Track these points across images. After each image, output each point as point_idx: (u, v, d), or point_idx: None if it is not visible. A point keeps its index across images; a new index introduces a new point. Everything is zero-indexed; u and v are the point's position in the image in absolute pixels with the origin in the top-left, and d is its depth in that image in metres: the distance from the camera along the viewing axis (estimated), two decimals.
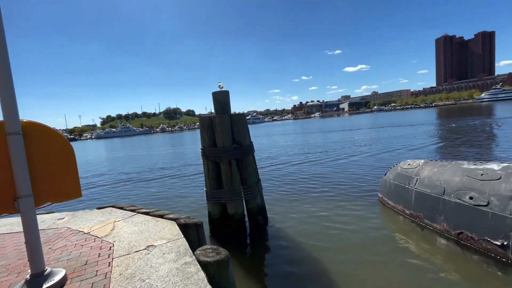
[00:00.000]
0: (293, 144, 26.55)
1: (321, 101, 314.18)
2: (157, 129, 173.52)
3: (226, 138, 5.80)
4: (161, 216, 3.90)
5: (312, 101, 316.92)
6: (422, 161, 6.27)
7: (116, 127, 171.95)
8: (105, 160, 28.79)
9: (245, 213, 6.20)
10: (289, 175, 11.74)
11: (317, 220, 6.45)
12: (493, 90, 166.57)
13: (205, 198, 6.16)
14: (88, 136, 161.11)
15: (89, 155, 37.49)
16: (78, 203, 9.65)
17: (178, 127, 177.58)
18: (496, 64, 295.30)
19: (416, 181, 5.88)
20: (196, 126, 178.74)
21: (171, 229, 3.39)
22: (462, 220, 4.80)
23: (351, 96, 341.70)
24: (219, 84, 6.21)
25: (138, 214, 4.19)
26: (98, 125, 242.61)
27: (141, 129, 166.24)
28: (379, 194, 7.43)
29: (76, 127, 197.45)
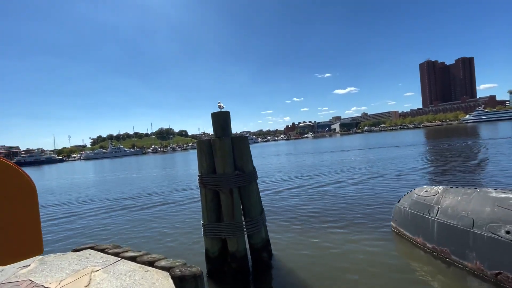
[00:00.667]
0: (289, 166, 25.97)
1: (313, 121, 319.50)
2: (149, 150, 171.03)
3: (227, 164, 5.17)
4: (151, 264, 3.16)
5: (304, 122, 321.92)
6: (441, 187, 5.75)
7: (107, 147, 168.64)
8: (91, 183, 27.29)
9: (248, 249, 5.43)
10: (289, 201, 11.00)
11: (326, 257, 5.71)
12: (476, 112, 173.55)
13: (202, 232, 5.39)
14: (77, 157, 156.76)
15: (74, 178, 35.77)
16: (52, 241, 8.44)
17: (170, 148, 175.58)
18: (477, 88, 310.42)
19: (438, 210, 5.31)
20: (188, 147, 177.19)
21: (163, 285, 2.66)
22: (500, 258, 4.19)
23: (341, 117, 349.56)
24: (219, 104, 5.69)
25: (123, 260, 3.42)
26: (88, 145, 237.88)
27: (132, 150, 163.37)
28: (392, 223, 6.80)
29: (64, 147, 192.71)
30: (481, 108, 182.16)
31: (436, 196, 5.56)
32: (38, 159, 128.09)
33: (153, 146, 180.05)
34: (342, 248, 6.05)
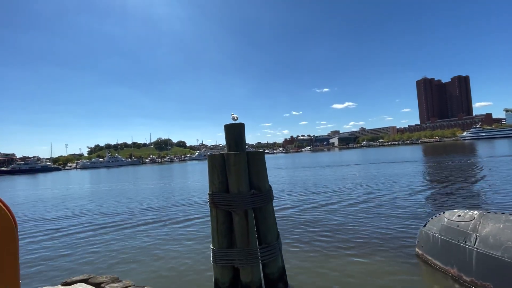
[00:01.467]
0: (291, 180, 25.32)
1: (311, 135, 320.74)
2: (147, 160, 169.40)
3: (242, 182, 4.62)
4: None
5: (302, 135, 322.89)
6: (476, 212, 5.21)
7: (104, 157, 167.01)
8: (85, 194, 26.32)
9: (262, 279, 4.79)
10: (297, 221, 10.30)
11: None
12: (473, 129, 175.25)
13: (211, 259, 4.76)
14: (73, 166, 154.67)
15: (68, 188, 34.71)
16: (35, 272, 7.08)
17: (168, 159, 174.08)
18: (473, 105, 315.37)
19: (476, 239, 4.74)
20: (187, 158, 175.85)
21: None
22: None
23: (340, 132, 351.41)
24: (232, 115, 5.21)
25: None
26: (85, 154, 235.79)
27: (129, 160, 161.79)
28: (417, 249, 6.19)
29: (61, 156, 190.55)
30: (478, 126, 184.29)
31: (473, 222, 5.00)
32: (34, 167, 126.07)
33: (151, 157, 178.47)
34: (365, 280, 5.40)
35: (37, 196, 26.67)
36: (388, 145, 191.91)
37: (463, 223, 5.15)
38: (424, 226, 6.06)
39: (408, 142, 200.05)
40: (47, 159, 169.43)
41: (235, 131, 5.01)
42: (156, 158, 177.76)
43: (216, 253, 4.65)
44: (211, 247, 4.80)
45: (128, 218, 13.22)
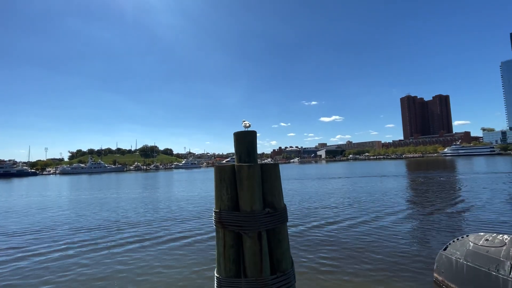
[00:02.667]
0: (285, 194, 24.69)
1: (299, 147, 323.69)
2: (131, 167, 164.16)
3: (256, 199, 3.97)
4: None
5: (291, 147, 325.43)
6: (507, 236, 4.79)
7: (86, 162, 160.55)
8: (61, 203, 24.40)
9: None
10: (298, 240, 9.62)
11: None
12: (454, 146, 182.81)
13: None
14: (52, 171, 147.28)
15: (44, 195, 32.36)
16: None
17: (154, 166, 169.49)
18: (452, 123, 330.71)
19: (511, 267, 4.29)
20: (173, 166, 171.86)
21: None
22: None
23: (327, 144, 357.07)
24: (244, 122, 4.59)
25: None
26: (66, 159, 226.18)
27: (113, 166, 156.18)
28: (436, 275, 5.69)
29: (39, 160, 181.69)
30: (458, 143, 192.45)
31: (505, 248, 4.57)
32: (9, 171, 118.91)
33: (135, 164, 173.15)
34: None
35: (6, 204, 24.55)
36: (374, 159, 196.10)
37: (493, 248, 4.70)
38: (445, 249, 5.58)
39: (392, 156, 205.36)
40: (24, 163, 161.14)
41: (246, 140, 4.39)
42: (141, 165, 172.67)
43: (222, 283, 3.92)
44: (216, 275, 4.07)
45: (104, 235, 11.62)
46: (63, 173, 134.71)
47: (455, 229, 9.49)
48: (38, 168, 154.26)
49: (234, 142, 4.49)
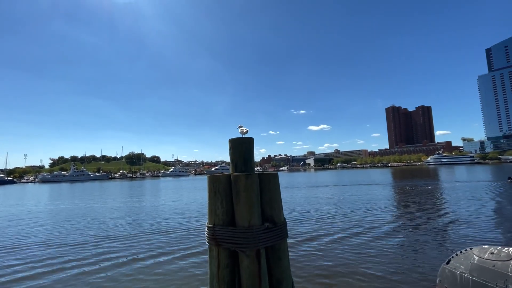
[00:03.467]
0: None
1: (288, 155, 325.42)
2: (116, 175, 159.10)
3: (254, 212, 3.61)
4: None
5: (280, 155, 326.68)
6: None
7: (68, 170, 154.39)
8: (37, 213, 22.94)
9: None
10: (292, 255, 9.27)
11: None
12: (436, 155, 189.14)
13: None
14: (31, 179, 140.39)
15: (18, 205, 30.43)
16: None
17: (140, 174, 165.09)
18: (434, 133, 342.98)
19: None
20: (160, 174, 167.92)
21: None
22: None
23: (315, 152, 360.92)
24: (241, 128, 4.29)
25: None
26: (47, 166, 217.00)
27: (97, 174, 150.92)
28: None
29: (17, 167, 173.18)
30: (440, 152, 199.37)
31: None
32: None
33: (121, 171, 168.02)
34: None
35: None
36: (361, 167, 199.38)
37: (499, 262, 4.51)
38: (447, 263, 5.36)
39: (379, 165, 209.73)
40: (1, 170, 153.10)
41: (243, 147, 4.05)
42: (127, 173, 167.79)
43: None
44: None
45: (77, 251, 10.37)
46: (43, 181, 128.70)
47: (453, 241, 9.28)
48: (15, 176, 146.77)
49: (230, 149, 4.13)
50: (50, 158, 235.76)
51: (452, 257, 5.38)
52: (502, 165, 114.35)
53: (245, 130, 4.26)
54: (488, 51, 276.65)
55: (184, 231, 13.00)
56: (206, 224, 3.86)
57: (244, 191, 3.59)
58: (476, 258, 4.85)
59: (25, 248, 11.45)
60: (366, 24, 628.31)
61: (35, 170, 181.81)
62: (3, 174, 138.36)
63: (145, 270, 8.12)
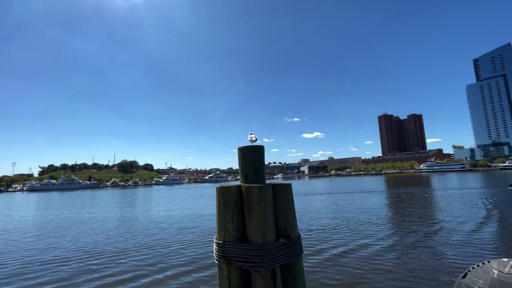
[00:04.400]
0: None
1: (282, 162, 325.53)
2: (108, 183, 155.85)
3: (268, 227, 3.33)
4: None
5: (274, 163, 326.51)
6: None
7: (58, 178, 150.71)
8: (21, 224, 21.97)
9: None
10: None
11: None
12: (429, 163, 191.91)
13: None
14: (19, 188, 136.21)
15: (5, 215, 29.20)
16: None
17: (133, 182, 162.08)
18: (426, 140, 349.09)
19: None
20: (153, 182, 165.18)
21: None
22: None
23: (309, 160, 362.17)
24: (250, 136, 4.03)
25: None
26: (36, 175, 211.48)
27: (88, 183, 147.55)
28: None
29: (5, 175, 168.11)
30: (432, 160, 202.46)
31: None
32: None
33: (113, 179, 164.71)
34: None
35: None
36: (355, 174, 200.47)
37: None
38: (464, 277, 5.10)
39: (373, 172, 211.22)
40: None
41: (254, 156, 3.79)
42: (119, 181, 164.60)
43: None
44: None
45: (57, 270, 9.23)
46: (32, 189, 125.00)
47: (466, 253, 8.89)
48: (3, 185, 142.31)
49: (239, 158, 3.85)
50: (39, 166, 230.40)
51: (469, 270, 5.14)
52: (492, 172, 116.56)
53: (254, 138, 3.99)
54: (475, 61, 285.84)
55: (185, 245, 11.98)
56: (214, 240, 3.55)
57: (258, 204, 3.31)
58: (496, 272, 4.61)
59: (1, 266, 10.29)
60: (359, 32, 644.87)
61: (24, 178, 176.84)
62: None
63: None
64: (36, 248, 13.06)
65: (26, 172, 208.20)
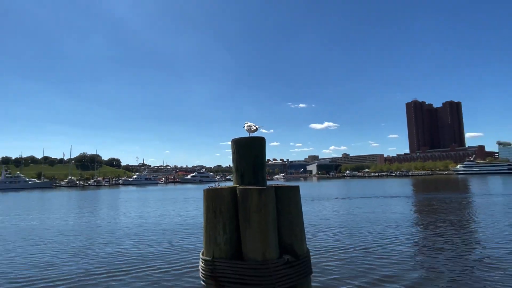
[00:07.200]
0: None
1: (285, 160, 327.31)
2: (62, 182, 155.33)
3: (270, 241, 3.33)
4: None
5: (274, 159, 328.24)
6: None
7: None
8: None
9: None
10: None
11: None
12: (467, 163, 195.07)
13: None
14: None
15: None
16: None
17: (94, 181, 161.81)
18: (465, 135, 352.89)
19: None
20: (120, 182, 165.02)
21: None
22: None
23: (319, 157, 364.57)
24: (247, 125, 4.00)
25: None
26: None
27: (37, 181, 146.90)
28: None
29: None
30: (472, 159, 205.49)
31: None
32: None
33: (69, 177, 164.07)
34: None
35: None
36: (375, 176, 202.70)
37: None
38: None
39: (397, 173, 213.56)
40: None
41: (252, 151, 3.74)
42: (77, 180, 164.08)
43: None
44: None
45: None
46: None
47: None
48: None
49: (233, 154, 3.81)
50: None
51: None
52: None
53: (254, 128, 3.95)
54: None
55: (160, 267, 11.63)
56: (201, 256, 3.54)
57: (257, 212, 3.28)
58: None
59: None
60: (381, 5, 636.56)
61: None
62: None
63: None
64: None
65: None
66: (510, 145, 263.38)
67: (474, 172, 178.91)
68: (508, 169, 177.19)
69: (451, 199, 34.40)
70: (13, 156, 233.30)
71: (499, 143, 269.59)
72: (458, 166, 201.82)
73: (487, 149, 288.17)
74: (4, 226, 24.13)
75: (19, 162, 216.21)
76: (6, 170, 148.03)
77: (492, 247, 13.13)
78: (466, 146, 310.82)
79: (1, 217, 30.65)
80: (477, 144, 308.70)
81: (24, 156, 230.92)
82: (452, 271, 9.98)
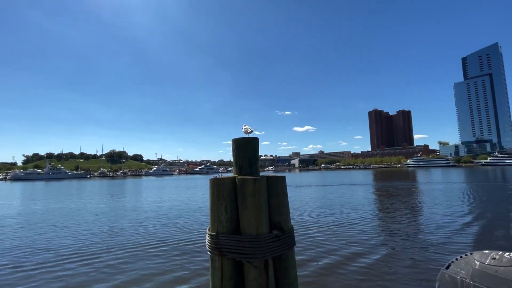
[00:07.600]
0: None
1: (273, 155, 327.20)
2: (96, 174, 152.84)
3: (262, 219, 3.32)
4: None
5: (265, 155, 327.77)
6: None
7: (43, 167, 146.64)
8: (4, 215, 21.29)
9: None
10: None
11: None
12: (415, 158, 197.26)
13: None
14: (1, 177, 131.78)
15: None
16: None
17: (121, 173, 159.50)
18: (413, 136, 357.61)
19: None
20: (142, 173, 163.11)
21: None
22: None
23: (300, 153, 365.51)
24: (245, 127, 3.98)
25: None
26: (20, 163, 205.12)
27: (75, 173, 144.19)
28: None
29: None
30: (419, 155, 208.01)
31: None
32: None
33: (101, 170, 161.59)
34: None
35: None
36: (345, 168, 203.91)
37: (502, 268, 4.48)
38: (447, 268, 5.30)
39: (361, 166, 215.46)
40: None
41: (248, 148, 3.74)
42: (107, 171, 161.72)
43: None
44: None
45: (31, 274, 7.85)
46: (15, 179, 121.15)
47: (450, 245, 9.28)
48: None
49: (233, 150, 3.80)
50: (23, 155, 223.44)
51: (452, 261, 5.34)
52: (474, 168, 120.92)
53: (249, 130, 3.94)
54: (464, 60, 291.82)
55: (177, 241, 11.56)
56: (207, 231, 3.52)
57: (252, 196, 3.28)
58: (477, 263, 4.81)
59: None
60: (346, 27, 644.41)
61: (7, 167, 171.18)
62: None
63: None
64: (12, 243, 12.06)
65: (9, 160, 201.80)
66: (448, 144, 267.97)
67: (420, 165, 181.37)
68: (446, 163, 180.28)
69: (403, 186, 34.80)
70: (56, 152, 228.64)
71: (440, 143, 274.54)
72: (408, 161, 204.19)
73: (430, 147, 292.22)
74: (55, 208, 23.69)
75: (60, 157, 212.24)
76: (49, 164, 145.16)
77: (434, 218, 13.47)
78: (415, 145, 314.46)
79: (52, 200, 30.08)
80: (423, 144, 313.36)
81: (64, 152, 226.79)
82: (406, 235, 10.14)
